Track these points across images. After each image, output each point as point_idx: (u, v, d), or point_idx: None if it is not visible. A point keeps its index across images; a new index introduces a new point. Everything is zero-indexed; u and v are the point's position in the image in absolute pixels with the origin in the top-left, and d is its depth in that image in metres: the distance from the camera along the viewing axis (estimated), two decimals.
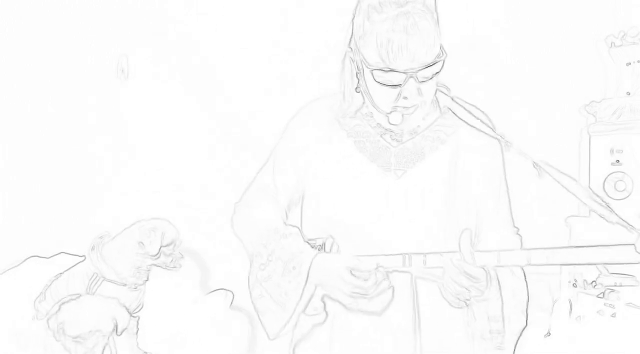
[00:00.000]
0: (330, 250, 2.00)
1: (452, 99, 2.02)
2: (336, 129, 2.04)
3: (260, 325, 2.16)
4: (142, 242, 2.25)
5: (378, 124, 2.02)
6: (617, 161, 2.37)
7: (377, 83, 1.90)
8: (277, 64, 2.46)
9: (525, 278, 2.03)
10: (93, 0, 2.52)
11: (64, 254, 2.40)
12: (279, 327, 2.04)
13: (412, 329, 2.01)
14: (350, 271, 1.95)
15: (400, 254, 1.96)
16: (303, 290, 1.98)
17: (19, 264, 2.41)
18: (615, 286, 2.33)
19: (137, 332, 2.34)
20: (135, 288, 2.29)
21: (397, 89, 1.89)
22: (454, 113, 2.01)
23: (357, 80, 1.98)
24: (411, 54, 1.84)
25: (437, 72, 1.91)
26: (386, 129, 2.01)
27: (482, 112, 2.09)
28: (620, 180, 2.36)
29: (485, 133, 2.01)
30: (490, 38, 2.52)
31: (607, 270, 2.37)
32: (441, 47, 1.92)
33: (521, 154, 2.06)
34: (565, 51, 2.50)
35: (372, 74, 1.89)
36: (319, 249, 2.00)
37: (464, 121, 2.00)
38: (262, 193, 2.13)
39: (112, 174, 2.49)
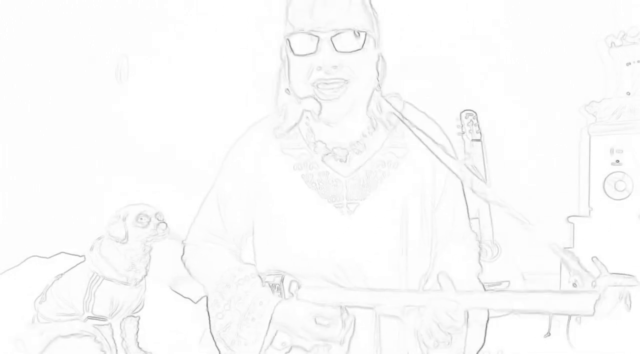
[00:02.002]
0: (289, 288, 1.85)
1: (401, 114, 1.87)
2: (281, 161, 1.88)
3: None
4: (108, 233, 2.27)
5: (319, 141, 1.86)
6: (617, 161, 2.37)
7: (294, 57, 1.76)
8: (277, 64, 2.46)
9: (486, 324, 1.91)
10: (93, 1, 2.52)
11: (64, 254, 2.40)
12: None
13: None
14: (315, 319, 1.82)
15: (364, 289, 1.84)
16: (264, 341, 1.84)
17: (19, 264, 2.41)
18: (615, 286, 2.33)
19: (137, 332, 2.35)
20: (136, 285, 2.29)
21: (308, 59, 1.75)
22: (405, 125, 1.87)
23: (287, 79, 1.85)
24: (320, 14, 1.72)
25: (359, 49, 1.75)
26: (329, 148, 1.85)
27: (433, 120, 1.97)
28: (620, 180, 2.36)
29: (440, 159, 1.86)
30: (491, 38, 2.51)
31: (607, 270, 2.36)
32: (373, 20, 1.79)
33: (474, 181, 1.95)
34: (565, 51, 2.50)
35: (289, 45, 1.77)
36: (277, 288, 1.86)
37: (416, 136, 1.86)
38: (211, 232, 2.01)
39: (112, 174, 2.49)
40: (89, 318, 2.28)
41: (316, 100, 1.77)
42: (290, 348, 1.87)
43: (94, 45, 2.51)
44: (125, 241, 2.26)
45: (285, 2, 1.83)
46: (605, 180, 2.38)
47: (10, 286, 2.38)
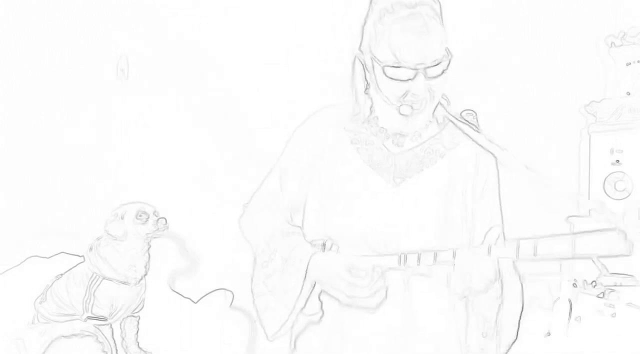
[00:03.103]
0: (330, 250, 2.06)
1: (450, 114, 2.15)
2: (340, 136, 2.13)
3: (260, 326, 2.17)
4: (107, 232, 2.28)
5: (382, 128, 2.11)
6: (617, 161, 2.37)
7: (387, 78, 2.02)
8: (280, 65, 2.46)
9: (522, 291, 2.10)
10: (93, 1, 2.52)
11: (64, 254, 2.40)
12: (277, 325, 2.09)
13: (405, 327, 2.07)
14: (349, 270, 2.01)
15: (396, 254, 2.03)
16: (302, 287, 2.05)
17: (19, 264, 2.41)
18: (615, 286, 2.33)
19: (137, 332, 2.35)
20: (136, 284, 2.30)
21: (406, 85, 2.01)
22: (457, 127, 2.13)
23: (366, 82, 2.11)
24: (421, 51, 1.98)
25: (444, 71, 2.03)
26: (389, 134, 2.11)
27: (476, 127, 2.18)
28: (620, 180, 2.36)
29: (484, 148, 2.13)
30: (491, 39, 2.52)
31: (607, 270, 2.37)
32: (446, 48, 2.05)
33: (516, 167, 2.16)
34: (565, 51, 2.50)
35: (383, 70, 2.01)
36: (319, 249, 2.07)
37: (467, 135, 2.13)
38: (269, 198, 2.20)
39: (112, 174, 2.50)
40: (89, 318, 2.28)
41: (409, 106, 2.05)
42: (322, 315, 2.06)
43: (94, 45, 2.52)
44: (124, 238, 2.26)
45: (371, 25, 2.05)
46: (605, 180, 2.38)
47: (10, 286, 2.38)
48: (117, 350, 2.32)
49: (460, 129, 2.13)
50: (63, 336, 2.30)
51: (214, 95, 2.46)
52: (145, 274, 2.31)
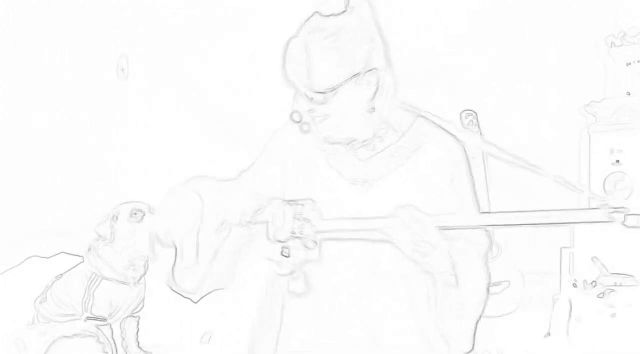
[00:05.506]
0: (312, 212, 2.04)
1: (420, 115, 2.14)
2: (311, 145, 2.14)
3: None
4: (95, 232, 2.29)
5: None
6: (617, 161, 2.37)
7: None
8: (275, 64, 2.46)
9: (487, 290, 2.09)
10: (93, 1, 2.53)
11: (64, 254, 2.40)
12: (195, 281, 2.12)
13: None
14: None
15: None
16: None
17: (19, 264, 2.41)
18: (615, 286, 2.34)
19: (137, 332, 2.35)
20: (135, 284, 2.30)
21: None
22: (429, 121, 2.13)
23: None
24: (301, 79, 2.02)
25: (325, 100, 2.02)
26: (354, 143, 2.11)
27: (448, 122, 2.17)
28: (620, 180, 2.36)
29: (451, 134, 2.12)
30: (491, 38, 2.52)
31: (607, 270, 2.37)
32: (353, 73, 2.01)
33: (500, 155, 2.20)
34: (566, 51, 2.50)
35: None
36: (282, 253, 2.05)
37: (440, 126, 2.12)
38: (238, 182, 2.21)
39: (112, 174, 2.50)
40: (88, 318, 2.28)
41: None
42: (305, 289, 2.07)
43: (94, 45, 2.52)
44: (111, 240, 2.27)
45: None
46: (605, 180, 2.38)
47: (10, 286, 2.38)
48: (117, 350, 2.32)
49: (432, 121, 2.13)
50: (64, 336, 2.30)
51: (214, 95, 2.46)
52: (144, 274, 2.31)
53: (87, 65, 2.52)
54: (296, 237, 2.01)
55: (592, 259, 2.38)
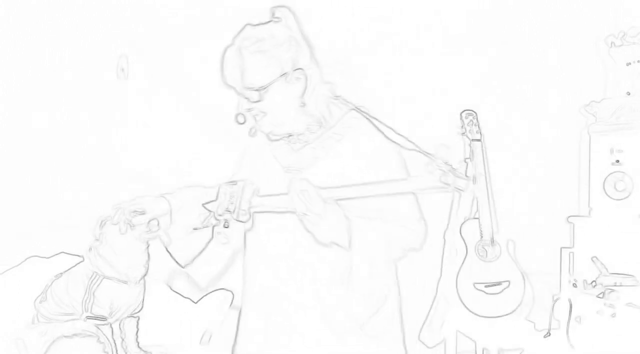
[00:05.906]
0: (245, 190, 2.29)
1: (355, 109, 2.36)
2: (268, 149, 2.40)
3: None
4: (94, 235, 2.29)
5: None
6: (617, 161, 2.37)
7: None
8: None
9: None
10: (93, 1, 2.53)
11: (64, 254, 2.40)
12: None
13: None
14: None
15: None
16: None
17: (19, 264, 2.41)
18: (615, 286, 2.34)
19: (137, 332, 2.35)
20: (136, 284, 2.30)
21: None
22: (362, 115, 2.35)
23: None
24: (237, 80, 2.27)
25: (260, 98, 2.26)
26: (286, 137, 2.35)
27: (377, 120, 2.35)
28: (620, 180, 2.36)
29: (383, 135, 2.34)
30: (491, 38, 2.52)
31: (607, 270, 2.37)
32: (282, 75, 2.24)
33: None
34: (565, 51, 2.50)
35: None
36: (223, 225, 2.29)
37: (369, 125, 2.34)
38: None
39: (112, 174, 2.50)
40: (88, 317, 2.28)
41: None
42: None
43: (94, 45, 2.52)
44: (102, 241, 2.28)
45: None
46: (605, 180, 2.38)
47: (10, 286, 2.38)
48: (117, 350, 2.32)
49: (364, 116, 2.35)
50: (65, 336, 2.30)
51: (214, 95, 2.46)
52: (145, 274, 2.31)
53: (87, 65, 2.52)
54: (229, 211, 2.23)
55: (592, 259, 2.38)
